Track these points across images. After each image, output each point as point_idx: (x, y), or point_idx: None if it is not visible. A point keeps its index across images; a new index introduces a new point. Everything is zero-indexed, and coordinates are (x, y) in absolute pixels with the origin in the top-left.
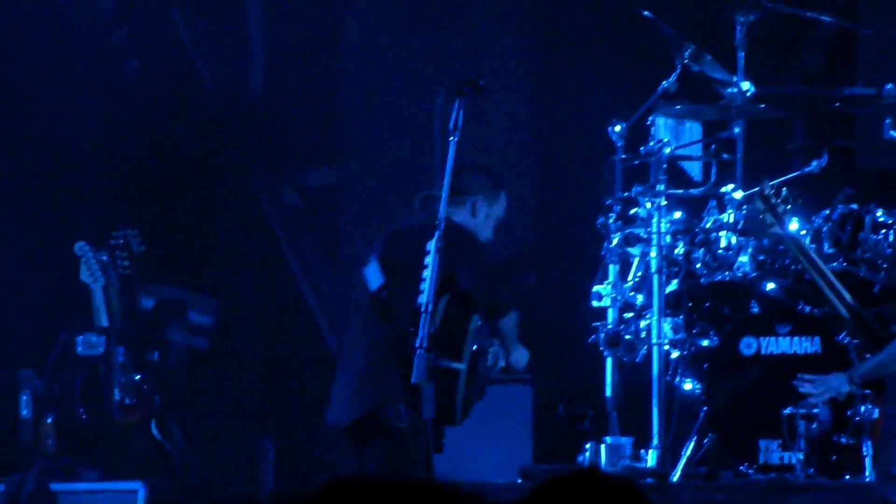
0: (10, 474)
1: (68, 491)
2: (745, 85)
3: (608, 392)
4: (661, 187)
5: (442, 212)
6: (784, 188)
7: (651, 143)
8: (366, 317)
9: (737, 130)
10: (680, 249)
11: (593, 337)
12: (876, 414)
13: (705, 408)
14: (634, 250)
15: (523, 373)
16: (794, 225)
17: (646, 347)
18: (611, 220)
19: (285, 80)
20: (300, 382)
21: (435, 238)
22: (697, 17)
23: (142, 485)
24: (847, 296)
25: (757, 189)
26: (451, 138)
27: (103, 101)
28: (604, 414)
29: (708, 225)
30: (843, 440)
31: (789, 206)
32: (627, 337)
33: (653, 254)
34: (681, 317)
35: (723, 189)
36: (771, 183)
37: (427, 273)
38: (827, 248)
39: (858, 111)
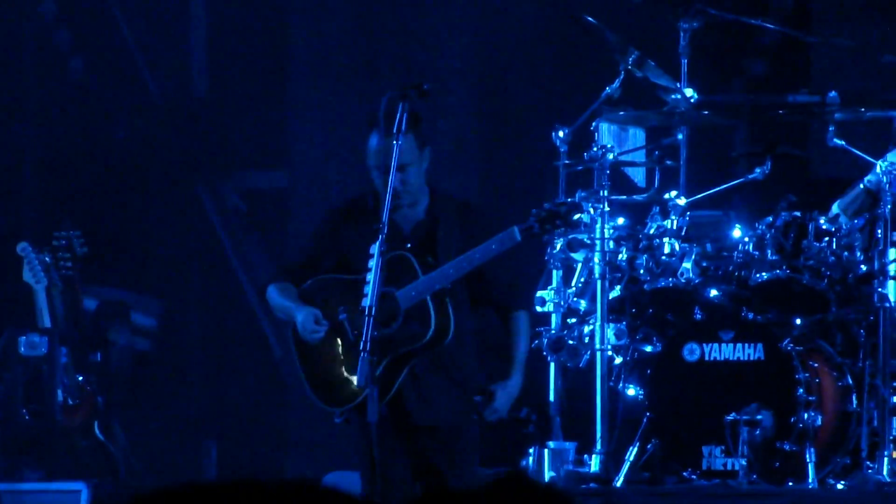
0: None
1: (11, 491)
2: (689, 91)
3: (551, 397)
4: (604, 193)
5: (385, 215)
6: None
7: (594, 149)
8: None
9: (680, 137)
10: (623, 255)
11: (537, 342)
12: (819, 421)
13: (648, 413)
14: (578, 256)
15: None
16: None
17: (589, 353)
18: None
19: (230, 81)
20: (243, 385)
21: (378, 241)
22: (641, 23)
23: (84, 485)
24: None
25: None
26: (395, 141)
27: (46, 101)
28: (547, 419)
29: (651, 231)
30: (787, 447)
31: None
32: (571, 342)
33: (596, 259)
34: (624, 322)
35: (666, 195)
36: None
37: (371, 276)
38: (770, 256)
39: (810, 119)
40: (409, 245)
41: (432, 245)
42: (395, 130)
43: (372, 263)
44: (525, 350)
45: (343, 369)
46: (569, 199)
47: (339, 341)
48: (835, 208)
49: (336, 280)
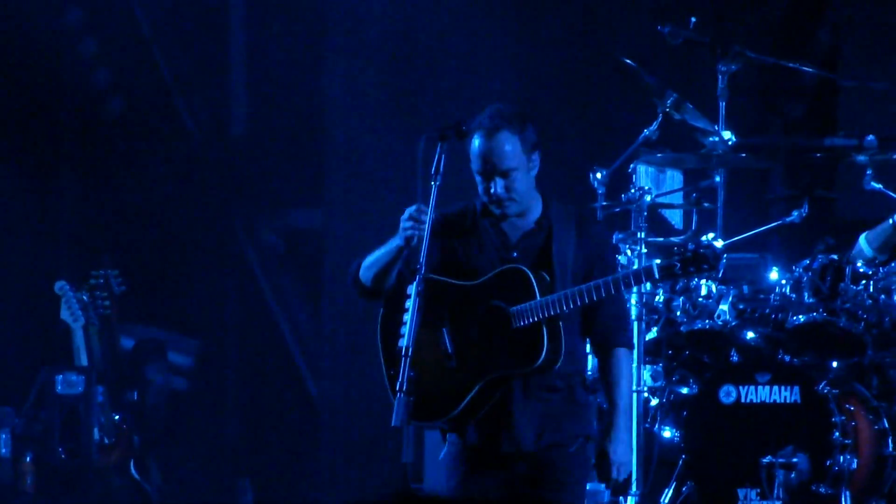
0: None
1: None
2: (727, 134)
3: None
4: (641, 235)
5: (423, 256)
6: None
7: (632, 191)
8: None
9: (717, 179)
10: (660, 297)
11: None
12: (855, 464)
13: (684, 455)
14: None
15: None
16: None
17: None
18: None
19: (268, 121)
20: (279, 423)
21: (416, 282)
22: (679, 65)
23: None
24: None
25: None
26: (433, 182)
27: (85, 139)
28: None
29: None
30: (822, 490)
31: None
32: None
33: (633, 301)
34: (660, 364)
35: (703, 237)
36: None
37: (408, 317)
38: (807, 298)
39: (840, 162)
40: (514, 255)
41: (546, 259)
42: (433, 172)
43: (409, 304)
44: (628, 392)
45: (433, 382)
46: (708, 241)
47: (435, 352)
48: (861, 241)
49: (444, 284)
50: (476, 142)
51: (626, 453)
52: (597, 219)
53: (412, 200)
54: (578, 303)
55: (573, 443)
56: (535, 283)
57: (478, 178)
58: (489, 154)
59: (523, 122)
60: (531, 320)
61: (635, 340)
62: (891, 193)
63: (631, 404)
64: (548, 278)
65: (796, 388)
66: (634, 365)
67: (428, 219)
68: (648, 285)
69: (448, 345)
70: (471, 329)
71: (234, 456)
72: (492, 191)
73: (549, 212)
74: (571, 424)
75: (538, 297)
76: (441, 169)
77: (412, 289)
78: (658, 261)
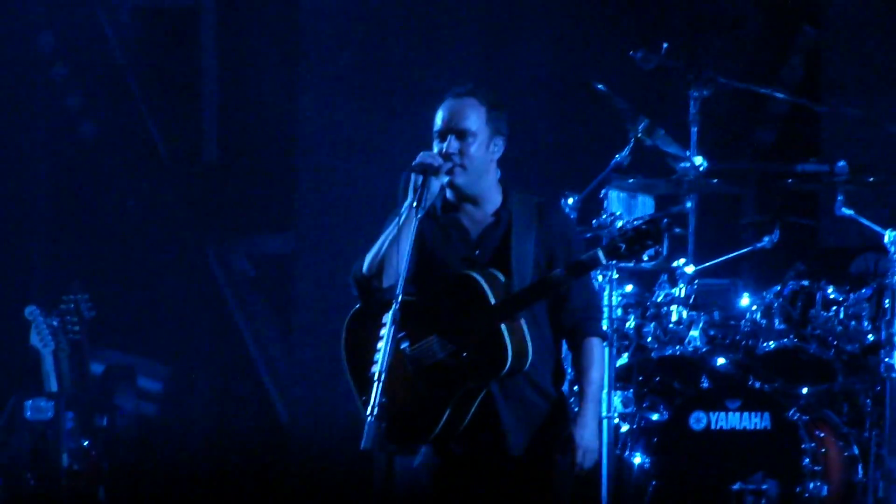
0: None
1: None
2: (698, 160)
3: None
4: (612, 261)
5: (400, 286)
6: None
7: (603, 216)
8: None
9: (689, 205)
10: (631, 323)
11: None
12: (825, 491)
13: (654, 482)
14: None
15: None
16: None
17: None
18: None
19: (239, 146)
20: (249, 450)
21: (391, 311)
22: (651, 91)
23: None
24: None
25: None
26: (416, 215)
27: (57, 164)
28: None
29: (659, 299)
30: None
31: None
32: (577, 409)
33: (604, 326)
34: (631, 390)
35: (674, 263)
36: None
37: (382, 345)
38: (777, 325)
39: (819, 188)
40: (477, 252)
41: (505, 254)
42: (414, 204)
43: (384, 332)
44: (598, 380)
45: (404, 405)
46: (650, 217)
47: (401, 374)
48: None
49: (402, 302)
50: (442, 105)
51: (593, 440)
52: (559, 208)
53: (382, 227)
54: (531, 301)
55: (561, 447)
56: (487, 290)
57: (435, 143)
58: (450, 113)
59: (495, 104)
60: (489, 328)
61: (606, 366)
62: (862, 220)
63: (601, 391)
64: (502, 278)
65: (766, 415)
66: (605, 391)
67: (408, 248)
68: (619, 311)
69: (409, 366)
70: (432, 345)
71: (203, 482)
72: (444, 150)
73: (510, 203)
74: (556, 426)
75: (492, 302)
76: (424, 202)
77: (388, 317)
78: (602, 246)
